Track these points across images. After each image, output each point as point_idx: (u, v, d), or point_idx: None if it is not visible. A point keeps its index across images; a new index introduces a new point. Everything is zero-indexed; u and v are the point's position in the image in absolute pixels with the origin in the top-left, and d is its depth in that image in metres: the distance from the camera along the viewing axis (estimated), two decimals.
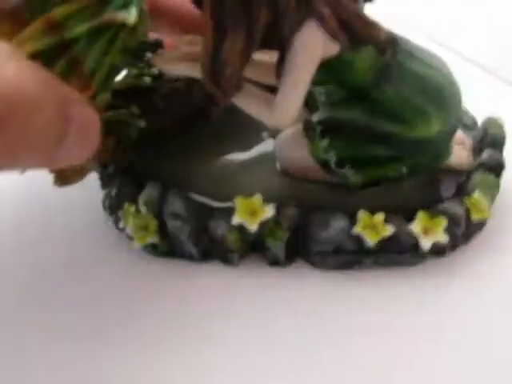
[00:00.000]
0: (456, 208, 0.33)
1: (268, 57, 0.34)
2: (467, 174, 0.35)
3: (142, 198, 0.33)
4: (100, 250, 0.35)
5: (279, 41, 0.29)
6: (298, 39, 0.28)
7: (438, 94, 0.32)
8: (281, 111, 0.31)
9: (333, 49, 0.29)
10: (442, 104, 0.32)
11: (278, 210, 0.33)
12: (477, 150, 0.37)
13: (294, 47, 0.29)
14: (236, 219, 0.32)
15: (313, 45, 0.29)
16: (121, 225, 0.34)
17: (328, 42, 0.29)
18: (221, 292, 0.33)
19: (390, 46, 0.31)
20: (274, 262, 0.34)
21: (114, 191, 0.35)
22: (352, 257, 0.33)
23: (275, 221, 0.32)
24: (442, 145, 0.33)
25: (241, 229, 0.32)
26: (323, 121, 0.33)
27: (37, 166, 0.24)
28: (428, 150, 0.33)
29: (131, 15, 0.28)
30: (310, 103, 0.35)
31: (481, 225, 0.35)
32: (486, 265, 0.34)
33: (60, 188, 0.34)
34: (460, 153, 0.36)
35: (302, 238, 0.33)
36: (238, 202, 0.32)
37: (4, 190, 0.39)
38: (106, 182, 0.36)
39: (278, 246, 0.33)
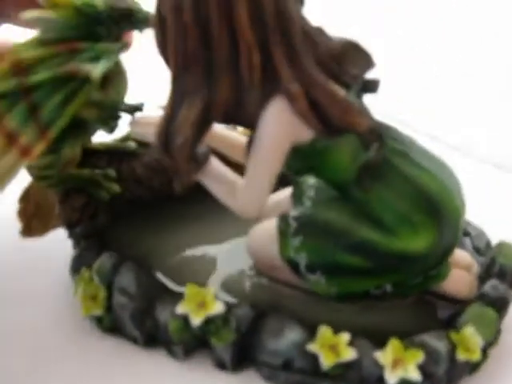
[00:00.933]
0: (438, 342, 0.28)
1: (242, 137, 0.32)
2: (464, 303, 0.30)
3: (95, 266, 0.31)
4: (52, 315, 0.33)
5: (246, 118, 0.27)
6: (263, 118, 0.26)
7: (430, 204, 0.28)
8: (244, 199, 0.28)
9: (304, 134, 0.26)
10: (433, 216, 0.28)
11: (230, 307, 0.29)
12: (483, 277, 0.31)
13: (260, 127, 0.26)
14: (181, 308, 0.29)
15: (280, 125, 0.26)
16: (73, 290, 0.32)
17: (298, 124, 0.26)
18: None
19: (374, 139, 0.27)
20: (221, 365, 0.30)
21: (76, 253, 0.33)
22: (304, 377, 0.29)
23: (224, 318, 0.29)
24: (431, 263, 0.29)
25: (185, 320, 0.29)
26: (301, 217, 0.30)
27: None
28: (413, 267, 0.29)
29: (97, 69, 0.27)
30: (295, 195, 0.32)
31: (468, 367, 0.29)
32: None
33: (25, 239, 0.34)
34: (461, 278, 0.31)
35: (250, 345, 0.29)
36: (189, 290, 0.29)
37: None
38: (74, 242, 0.34)
39: (223, 348, 0.29)
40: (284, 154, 0.26)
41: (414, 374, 0.27)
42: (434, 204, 0.28)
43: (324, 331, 0.28)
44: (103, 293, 0.31)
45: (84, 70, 0.27)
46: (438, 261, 0.29)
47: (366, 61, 0.27)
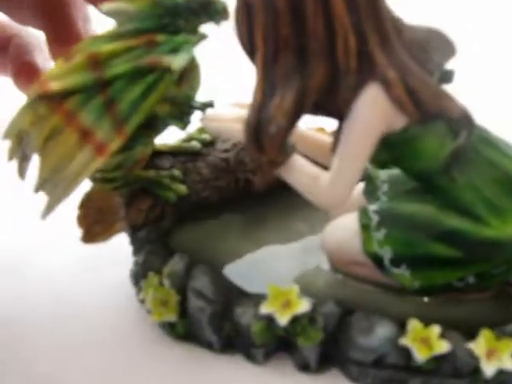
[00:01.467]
0: None
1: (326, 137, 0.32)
2: None
3: (166, 269, 0.30)
4: (119, 323, 0.32)
5: (337, 106, 0.26)
6: (357, 104, 0.25)
7: None
8: (331, 188, 0.27)
9: (398, 122, 0.26)
10: None
11: (315, 305, 0.28)
12: None
13: (353, 114, 0.25)
14: (265, 308, 0.28)
15: (374, 112, 0.25)
16: (141, 296, 0.31)
17: (392, 112, 0.25)
18: None
19: (464, 125, 0.27)
20: (304, 367, 0.29)
21: (141, 258, 0.32)
22: (396, 373, 0.28)
23: (310, 317, 0.28)
24: None
25: (269, 321, 0.28)
26: (382, 211, 0.29)
27: None
28: (501, 256, 0.28)
29: (178, 61, 0.26)
30: (369, 191, 0.31)
31: None
32: None
33: (88, 244, 0.32)
34: None
35: (339, 343, 0.28)
36: (271, 290, 0.28)
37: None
38: (136, 247, 0.33)
39: (309, 348, 0.28)
40: (375, 143, 0.26)
41: (510, 364, 0.27)
42: None
43: (415, 325, 0.28)
44: (175, 297, 0.29)
45: (164, 61, 0.26)
46: None
47: (450, 48, 0.27)
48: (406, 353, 0.27)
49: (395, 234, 0.29)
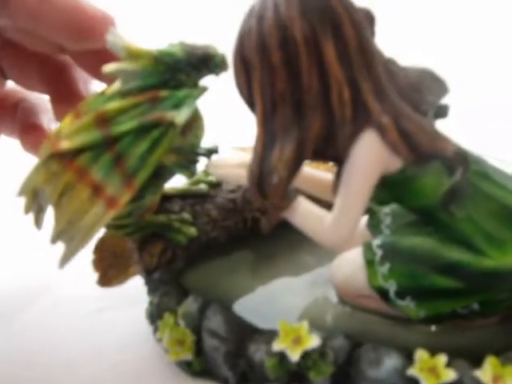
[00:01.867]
0: None
1: (330, 173, 0.33)
2: None
3: (180, 310, 0.31)
4: (136, 360, 0.33)
5: (335, 153, 0.27)
6: (355, 151, 0.26)
7: None
8: (335, 228, 0.28)
9: (394, 164, 0.27)
10: None
11: (325, 340, 0.29)
12: None
13: (351, 159, 0.27)
14: (277, 345, 0.29)
15: (371, 157, 0.26)
16: (158, 335, 0.32)
17: (389, 155, 0.26)
18: None
19: (460, 163, 0.28)
20: None
21: (156, 299, 0.33)
22: None
23: (320, 352, 0.29)
24: None
25: (281, 356, 0.29)
26: (385, 245, 0.30)
27: None
28: (503, 284, 0.29)
29: (181, 115, 0.28)
30: (372, 225, 0.32)
31: None
32: None
33: (103, 288, 0.34)
34: None
35: (350, 376, 0.29)
36: (282, 327, 0.29)
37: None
38: (151, 288, 0.34)
39: (320, 382, 0.29)
40: (374, 185, 0.27)
41: None
42: None
43: (421, 354, 0.29)
44: (191, 337, 0.31)
45: (168, 116, 0.27)
46: None
47: (442, 87, 0.28)
48: (414, 383, 0.28)
49: (399, 268, 0.30)
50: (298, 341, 0.29)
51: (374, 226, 0.32)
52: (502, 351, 0.29)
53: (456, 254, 0.29)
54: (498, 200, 0.28)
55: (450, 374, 0.28)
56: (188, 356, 0.31)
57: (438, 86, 0.28)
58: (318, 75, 0.25)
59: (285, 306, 0.32)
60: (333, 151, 0.27)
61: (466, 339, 0.30)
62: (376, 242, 0.31)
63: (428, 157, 0.26)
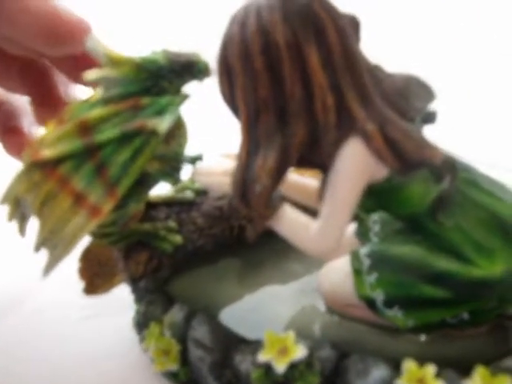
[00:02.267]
0: None
1: (315, 180, 0.32)
2: None
3: (166, 320, 0.31)
4: (123, 369, 0.33)
5: (320, 160, 0.27)
6: (340, 158, 0.26)
7: (504, 228, 0.28)
8: (320, 237, 0.28)
9: (380, 172, 0.26)
10: (508, 240, 0.28)
11: (312, 350, 0.29)
12: None
13: (336, 167, 0.26)
14: (263, 356, 0.29)
15: (357, 165, 0.26)
16: (144, 345, 0.32)
17: (374, 163, 0.26)
18: None
19: (448, 170, 0.27)
20: None
21: (142, 308, 0.32)
22: None
23: (307, 363, 0.29)
24: (509, 287, 0.29)
25: (267, 368, 0.29)
26: (372, 254, 0.30)
27: None
28: (492, 293, 0.29)
29: (163, 123, 0.27)
30: (361, 232, 0.32)
31: None
32: None
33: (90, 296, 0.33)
34: None
35: None
36: (268, 337, 0.29)
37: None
38: (137, 297, 0.34)
39: None
40: (360, 193, 0.27)
41: None
42: (509, 229, 0.28)
43: (409, 365, 0.28)
44: (177, 347, 0.30)
45: (150, 124, 0.27)
46: None
47: (429, 94, 0.28)
48: None
49: (386, 277, 0.29)
50: (284, 351, 0.29)
51: (363, 233, 0.32)
52: (492, 361, 0.29)
53: (444, 263, 0.28)
54: (487, 208, 0.28)
55: None
56: (174, 366, 0.30)
57: (424, 92, 0.27)
58: (301, 81, 0.25)
59: (272, 315, 0.31)
60: (318, 158, 0.26)
61: (455, 349, 0.30)
62: (363, 250, 0.30)
63: (415, 165, 0.26)
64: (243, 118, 0.26)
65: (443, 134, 0.29)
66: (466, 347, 0.30)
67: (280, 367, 0.28)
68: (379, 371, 0.28)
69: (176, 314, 0.31)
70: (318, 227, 0.28)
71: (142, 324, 0.32)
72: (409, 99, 0.27)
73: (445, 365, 0.29)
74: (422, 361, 0.29)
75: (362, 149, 0.25)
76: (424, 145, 0.26)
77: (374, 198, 0.27)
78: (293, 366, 0.29)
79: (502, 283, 0.28)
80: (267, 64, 0.25)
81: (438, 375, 0.28)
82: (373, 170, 0.26)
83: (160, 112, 0.28)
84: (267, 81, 0.25)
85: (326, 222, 0.27)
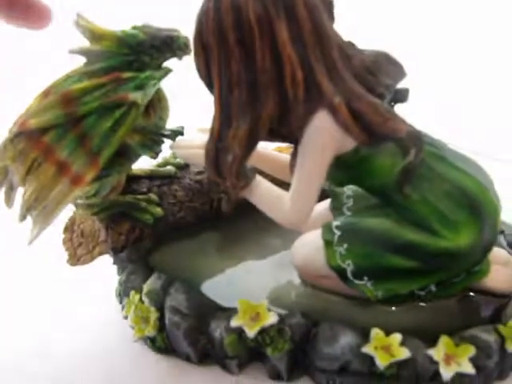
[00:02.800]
0: (488, 336, 0.29)
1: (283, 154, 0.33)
2: (507, 298, 0.31)
3: (145, 288, 0.32)
4: (106, 336, 0.34)
5: (290, 132, 0.28)
6: (308, 131, 0.27)
7: (469, 201, 0.29)
8: (292, 208, 0.29)
9: (348, 144, 0.28)
10: (473, 213, 0.29)
11: (283, 318, 0.30)
12: None
13: (305, 139, 0.27)
14: (235, 322, 0.30)
15: (324, 137, 0.27)
16: (123, 313, 0.33)
17: (341, 135, 0.27)
18: None
19: (413, 144, 0.28)
20: (276, 376, 0.31)
21: (123, 278, 0.34)
22: (361, 380, 0.29)
23: (278, 329, 0.30)
24: (474, 259, 0.30)
25: (240, 333, 0.30)
26: (344, 226, 0.31)
27: None
28: (457, 265, 0.30)
29: (143, 95, 0.28)
30: (334, 207, 0.33)
31: None
32: None
33: (73, 266, 0.34)
34: (501, 274, 0.32)
35: (307, 353, 0.30)
36: (241, 305, 0.30)
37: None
38: (119, 267, 0.35)
39: (278, 358, 0.30)
40: (328, 164, 0.28)
41: (468, 368, 0.28)
42: (473, 202, 0.29)
43: (377, 333, 0.29)
44: (155, 314, 0.31)
45: (130, 96, 0.28)
46: (480, 257, 0.30)
47: (399, 71, 0.29)
48: (368, 360, 0.29)
49: (356, 248, 0.30)
50: (256, 318, 0.30)
51: (336, 208, 0.33)
52: (458, 330, 0.30)
53: (411, 235, 0.29)
54: (453, 181, 0.29)
55: (404, 352, 0.29)
56: (151, 333, 0.31)
57: (393, 69, 0.28)
58: (271, 56, 0.26)
59: (248, 286, 0.32)
60: (288, 131, 0.28)
61: (423, 320, 0.31)
62: (335, 222, 0.31)
63: (381, 137, 0.27)
64: (217, 91, 0.27)
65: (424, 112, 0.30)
66: (434, 318, 0.31)
67: (251, 332, 0.29)
68: (347, 338, 0.29)
69: (154, 282, 0.32)
70: (290, 198, 0.29)
71: (123, 293, 0.33)
72: (377, 76, 0.28)
73: (413, 334, 0.30)
74: (390, 330, 0.30)
75: (329, 121, 0.27)
76: (390, 118, 0.27)
77: (343, 170, 0.29)
78: (264, 332, 0.30)
79: (466, 254, 0.29)
80: (239, 39, 0.26)
81: (404, 343, 0.29)
82: (340, 142, 0.27)
83: (141, 86, 0.29)
84: (239, 55, 0.26)
85: (296, 193, 0.28)
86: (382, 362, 0.28)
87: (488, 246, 0.30)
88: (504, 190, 0.31)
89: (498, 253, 0.33)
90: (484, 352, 0.29)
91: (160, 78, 0.30)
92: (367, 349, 0.29)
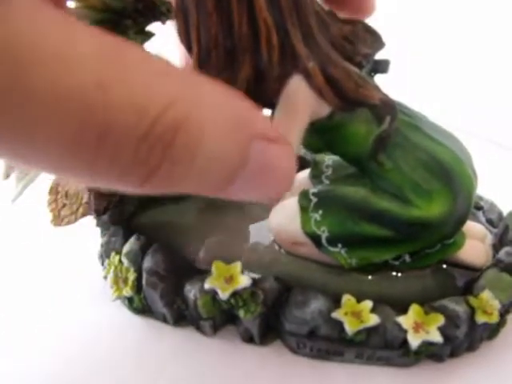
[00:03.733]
0: (457, 306, 0.29)
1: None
2: (481, 271, 0.31)
3: (124, 249, 0.32)
4: (85, 299, 0.35)
5: (267, 97, 0.28)
6: (283, 95, 0.27)
7: (443, 172, 0.29)
8: None
9: (322, 109, 0.28)
10: (447, 183, 0.29)
11: (256, 281, 0.30)
12: (497, 246, 0.33)
13: (280, 103, 0.28)
14: (209, 284, 0.30)
15: (299, 101, 0.27)
16: (103, 273, 0.34)
17: (315, 100, 0.27)
18: (189, 362, 0.31)
19: (387, 112, 0.28)
20: (249, 339, 0.31)
21: (105, 240, 0.34)
22: (331, 345, 0.30)
23: (251, 292, 0.30)
24: (446, 231, 0.30)
25: (214, 295, 0.30)
26: (320, 193, 0.31)
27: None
28: (429, 235, 0.30)
29: None
30: (314, 175, 0.33)
31: (487, 331, 0.30)
32: (492, 379, 0.30)
33: (57, 227, 0.35)
34: (477, 248, 0.32)
35: (278, 316, 0.30)
36: (216, 267, 0.31)
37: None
38: (102, 230, 0.35)
39: (250, 320, 0.30)
40: (303, 129, 0.28)
41: (436, 337, 0.29)
42: (448, 172, 0.29)
43: (347, 299, 0.30)
44: (133, 275, 0.32)
45: None
46: (453, 229, 0.30)
47: (377, 41, 0.29)
48: (338, 326, 0.29)
49: (331, 215, 0.30)
50: (229, 280, 0.30)
51: (316, 176, 0.33)
52: (430, 300, 0.30)
53: (385, 204, 0.29)
54: (428, 151, 0.29)
55: (373, 319, 0.29)
56: (129, 293, 0.32)
57: (372, 38, 0.29)
58: (248, 20, 0.26)
59: (225, 250, 0.32)
60: (265, 96, 0.28)
61: (396, 289, 0.31)
62: (312, 190, 0.31)
63: (354, 103, 0.27)
64: (196, 56, 0.28)
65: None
66: (407, 288, 0.31)
67: (224, 294, 0.30)
68: (318, 303, 0.30)
69: (134, 243, 0.32)
70: None
71: (104, 255, 0.34)
72: (355, 44, 0.28)
73: (385, 303, 0.30)
74: (363, 298, 0.30)
75: (303, 86, 0.27)
76: (363, 85, 0.27)
77: (319, 135, 0.29)
78: (237, 295, 0.30)
79: (439, 225, 0.29)
80: (217, 4, 0.27)
81: (374, 310, 0.30)
82: (315, 107, 0.27)
83: None
84: (217, 19, 0.27)
85: None
86: (350, 327, 0.29)
87: (461, 218, 0.30)
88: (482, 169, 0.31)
89: (474, 228, 0.33)
90: (452, 322, 0.29)
91: (142, 42, 0.30)
92: (337, 314, 0.29)
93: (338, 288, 0.31)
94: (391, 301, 0.30)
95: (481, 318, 0.29)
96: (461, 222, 0.30)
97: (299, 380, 0.30)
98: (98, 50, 0.16)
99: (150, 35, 0.30)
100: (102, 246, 0.34)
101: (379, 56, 0.30)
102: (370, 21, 0.29)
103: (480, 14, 0.61)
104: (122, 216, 0.35)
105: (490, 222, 0.34)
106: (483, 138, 0.49)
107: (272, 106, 0.28)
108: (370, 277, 0.31)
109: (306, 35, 0.27)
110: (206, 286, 0.30)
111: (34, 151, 0.16)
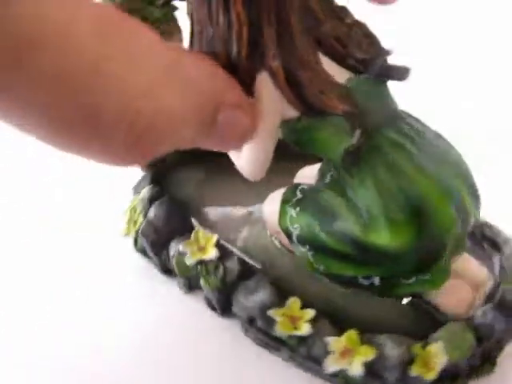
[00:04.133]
0: (394, 349, 0.27)
1: None
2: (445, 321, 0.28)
3: (140, 195, 0.36)
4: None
5: (245, 90, 0.28)
6: (255, 90, 0.27)
7: (415, 204, 0.26)
8: (245, 163, 0.29)
9: (290, 110, 0.27)
10: (413, 217, 0.26)
11: (222, 258, 0.32)
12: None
13: (253, 98, 0.27)
14: (182, 247, 0.32)
15: (266, 97, 0.27)
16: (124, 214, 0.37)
17: (282, 99, 0.27)
18: (166, 310, 0.34)
19: (354, 126, 0.26)
20: (212, 308, 0.33)
21: (137, 182, 0.38)
22: (267, 339, 0.30)
23: (215, 266, 0.31)
24: (404, 267, 0.27)
25: (185, 257, 0.32)
26: (306, 191, 0.30)
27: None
28: (385, 264, 0.28)
29: None
30: (322, 169, 0.32)
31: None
32: None
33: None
34: (457, 294, 0.28)
35: (230, 296, 0.31)
36: (195, 234, 0.32)
37: None
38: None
39: (209, 292, 0.32)
40: (274, 125, 0.27)
41: (356, 370, 0.27)
42: (417, 207, 0.26)
43: (293, 302, 0.29)
44: (141, 219, 0.35)
45: None
46: (413, 266, 0.27)
47: (373, 46, 0.26)
48: (271, 324, 0.29)
49: (305, 215, 0.29)
50: (201, 249, 0.32)
51: (323, 172, 0.32)
52: (385, 330, 0.28)
53: (349, 220, 0.28)
54: (402, 176, 0.26)
55: (305, 329, 0.29)
56: (133, 234, 0.36)
57: (368, 43, 0.26)
58: (224, 11, 0.26)
59: (224, 224, 0.34)
60: (243, 88, 0.28)
61: (356, 309, 0.30)
62: (302, 186, 0.31)
63: (316, 111, 0.26)
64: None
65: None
66: (369, 312, 0.30)
67: (189, 259, 0.32)
68: (264, 296, 0.30)
69: (147, 191, 0.35)
70: (243, 153, 0.29)
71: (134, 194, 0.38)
72: (347, 46, 0.26)
73: (335, 317, 0.29)
74: (313, 304, 0.29)
75: (269, 84, 0.26)
76: (328, 93, 0.26)
77: (293, 135, 0.28)
78: (203, 263, 0.32)
79: (396, 256, 0.27)
80: None
81: (314, 321, 0.29)
82: (282, 106, 0.27)
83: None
84: (200, 6, 0.27)
85: (247, 148, 0.29)
86: (281, 329, 0.29)
87: (430, 255, 0.27)
88: None
89: (474, 270, 0.29)
90: (381, 362, 0.27)
91: (167, 15, 0.32)
92: (273, 312, 0.29)
93: (300, 288, 0.30)
94: (340, 318, 0.29)
95: (415, 371, 0.27)
96: (429, 259, 0.27)
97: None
98: (98, 29, 0.19)
99: (174, 8, 0.32)
100: (133, 187, 0.38)
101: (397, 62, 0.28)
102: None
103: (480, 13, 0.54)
104: (155, 162, 0.37)
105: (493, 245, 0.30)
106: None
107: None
108: (340, 288, 0.30)
109: (282, 34, 0.26)
110: (181, 248, 0.32)
111: (34, 124, 0.19)
